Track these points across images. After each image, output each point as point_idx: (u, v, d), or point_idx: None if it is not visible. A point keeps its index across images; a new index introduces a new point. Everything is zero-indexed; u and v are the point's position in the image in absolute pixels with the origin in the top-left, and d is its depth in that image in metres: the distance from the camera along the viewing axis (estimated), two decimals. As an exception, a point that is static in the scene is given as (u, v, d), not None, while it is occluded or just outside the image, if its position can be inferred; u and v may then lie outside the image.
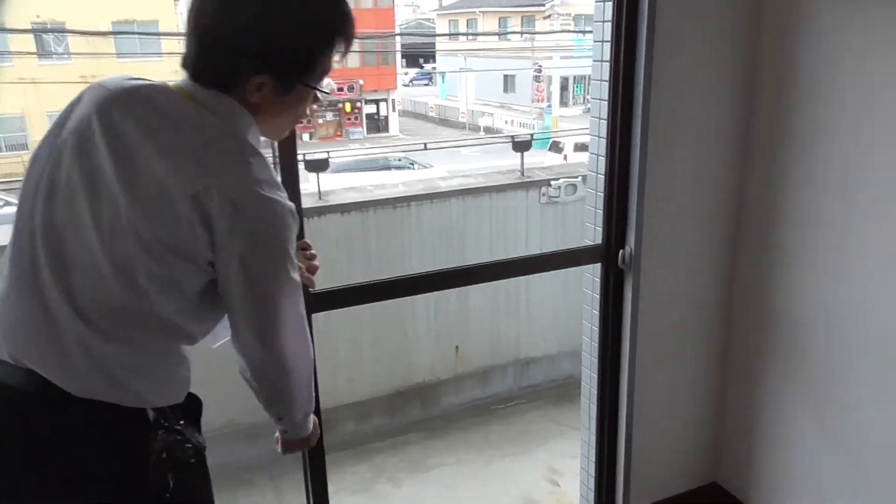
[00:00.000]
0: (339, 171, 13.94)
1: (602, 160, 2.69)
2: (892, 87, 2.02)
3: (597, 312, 2.89)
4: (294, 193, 2.04)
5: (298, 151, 1.89)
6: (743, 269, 2.74)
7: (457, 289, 4.40)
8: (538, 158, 16.09)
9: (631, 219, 2.58)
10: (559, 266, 2.59)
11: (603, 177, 2.66)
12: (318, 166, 4.07)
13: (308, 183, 4.37)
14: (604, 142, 2.64)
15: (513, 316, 4.60)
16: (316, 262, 1.48)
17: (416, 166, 14.64)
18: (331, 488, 3.80)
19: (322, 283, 3.87)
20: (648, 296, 2.68)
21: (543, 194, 4.43)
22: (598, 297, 2.87)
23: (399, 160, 13.58)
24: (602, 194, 2.72)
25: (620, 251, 2.65)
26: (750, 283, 2.73)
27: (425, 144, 6.12)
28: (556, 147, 17.55)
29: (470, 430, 4.38)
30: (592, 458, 3.12)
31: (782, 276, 2.56)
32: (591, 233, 2.83)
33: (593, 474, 3.11)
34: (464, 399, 4.67)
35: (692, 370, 2.92)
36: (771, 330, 2.65)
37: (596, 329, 2.93)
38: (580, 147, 13.98)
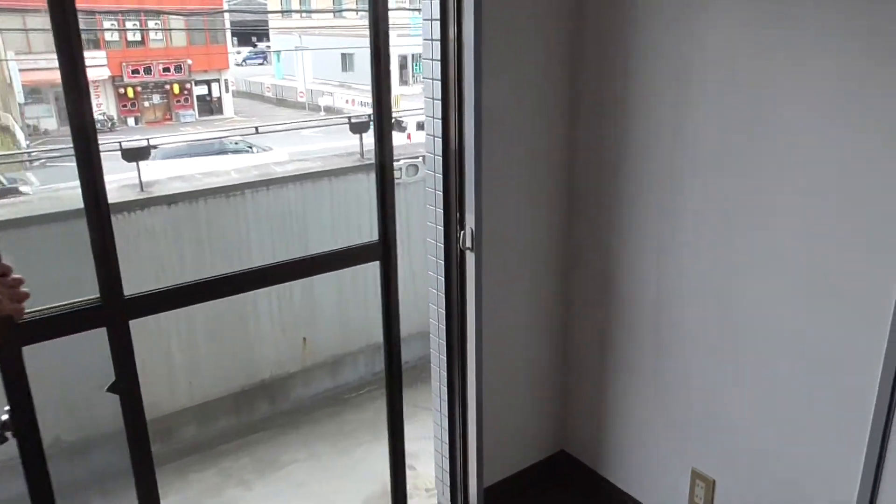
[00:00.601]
0: (171, 157, 13.08)
1: (438, 141, 2.67)
2: (706, 76, 2.15)
3: (443, 295, 2.89)
4: (95, 185, 1.88)
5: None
6: (580, 247, 2.85)
7: (299, 280, 4.26)
8: (381, 138, 15.93)
9: (469, 199, 2.59)
10: (338, 266, 2.53)
11: (439, 158, 2.63)
12: (137, 155, 3.75)
13: (134, 172, 4.03)
14: (439, 122, 2.62)
15: (361, 302, 4.53)
16: (24, 289, 1.21)
17: (254, 149, 14.05)
18: (175, 498, 3.57)
19: (149, 283, 3.60)
20: (492, 274, 2.71)
21: (385, 176, 4.37)
22: (442, 279, 2.86)
23: (236, 143, 13.00)
24: (440, 175, 2.71)
25: (462, 232, 2.65)
26: (588, 260, 2.84)
27: (256, 128, 5.86)
28: (398, 126, 17.53)
29: (322, 421, 4.28)
30: (445, 439, 3.14)
31: (616, 252, 2.68)
32: (433, 215, 2.81)
33: (447, 455, 3.13)
34: (314, 391, 4.56)
35: (537, 345, 3.01)
36: (609, 306, 2.78)
37: (443, 311, 2.92)
38: (423, 126, 13.99)
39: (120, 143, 3.88)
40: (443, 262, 2.81)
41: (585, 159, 2.77)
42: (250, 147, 13.88)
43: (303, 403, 4.50)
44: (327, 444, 3.99)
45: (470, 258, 2.66)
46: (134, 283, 3.70)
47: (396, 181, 4.45)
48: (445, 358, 2.97)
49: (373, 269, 4.49)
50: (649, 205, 2.53)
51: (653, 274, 2.58)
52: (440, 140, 2.65)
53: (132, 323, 2.06)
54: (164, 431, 4.08)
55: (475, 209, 2.59)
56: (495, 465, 3.00)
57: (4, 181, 10.74)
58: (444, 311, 2.89)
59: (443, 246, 2.80)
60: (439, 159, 2.69)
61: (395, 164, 4.42)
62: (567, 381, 3.11)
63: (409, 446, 3.96)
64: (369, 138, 5.95)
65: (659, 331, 2.60)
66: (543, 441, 3.15)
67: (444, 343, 2.93)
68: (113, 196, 3.77)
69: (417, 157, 4.44)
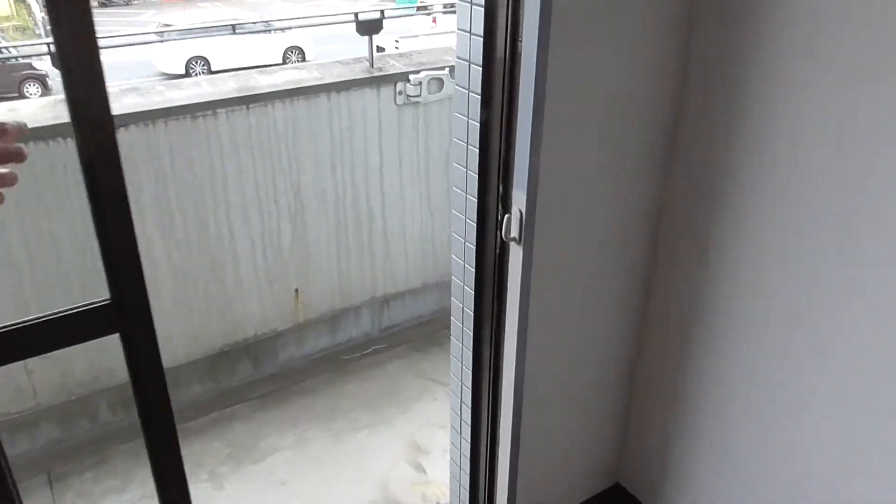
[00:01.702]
0: (186, 37, 11.95)
1: (476, 42, 1.82)
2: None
3: (471, 291, 2.12)
4: None
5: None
6: (675, 243, 2.06)
7: (290, 221, 3.49)
8: (406, 24, 14.74)
9: (520, 161, 1.77)
10: (40, 351, 1.43)
11: (477, 68, 1.79)
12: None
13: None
14: (479, 11, 1.77)
15: (365, 248, 3.76)
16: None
17: (272, 32, 12.89)
18: (134, 494, 2.91)
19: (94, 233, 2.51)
20: (544, 274, 1.93)
21: (400, 93, 3.49)
22: (471, 271, 2.09)
23: (253, 23, 11.89)
24: (475, 109, 1.87)
25: (506, 216, 1.84)
26: (683, 260, 2.06)
27: (234, 27, 4.90)
28: (423, 8, 16.20)
29: (315, 393, 3.61)
30: (465, 453, 2.48)
31: (725, 252, 1.90)
32: (461, 178, 2.00)
33: (466, 473, 2.48)
34: (309, 350, 3.88)
35: (597, 359, 2.28)
36: (705, 320, 2.03)
37: (470, 312, 2.16)
38: (453, 8, 12.77)
39: (48, 44, 3.00)
40: (473, 249, 2.00)
41: (697, 108, 1.91)
42: (268, 27, 12.70)
43: (294, 365, 3.84)
44: (319, 427, 3.34)
45: (515, 253, 1.87)
46: (84, 225, 2.95)
47: (415, 99, 3.58)
48: (471, 370, 2.23)
49: (380, 207, 3.73)
50: (767, 205, 1.69)
51: (777, 282, 1.79)
52: (479, 41, 1.80)
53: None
54: (121, 402, 3.44)
55: (528, 180, 1.77)
56: (532, 496, 2.33)
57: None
58: (471, 312, 2.12)
59: (475, 227, 1.98)
60: (476, 73, 1.83)
61: (414, 76, 3.54)
62: (631, 404, 2.39)
63: (419, 437, 3.32)
64: (381, 41, 4.99)
65: (751, 360, 1.84)
66: (595, 472, 2.49)
67: (472, 352, 2.18)
68: (43, 117, 2.96)
69: (442, 69, 3.53)
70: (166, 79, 11.34)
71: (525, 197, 1.74)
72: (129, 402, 3.48)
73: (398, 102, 3.50)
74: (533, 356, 2.03)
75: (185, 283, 3.35)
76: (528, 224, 1.77)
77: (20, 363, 3.08)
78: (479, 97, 1.79)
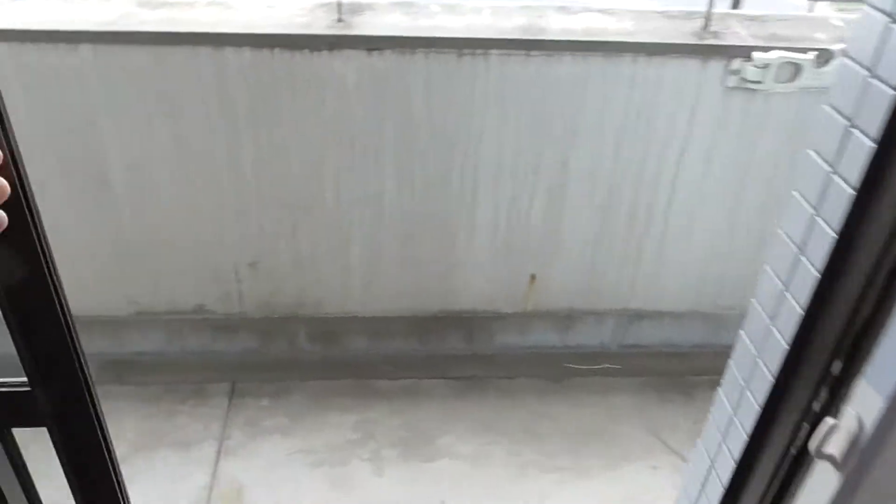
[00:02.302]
0: None
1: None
2: None
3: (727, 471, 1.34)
4: None
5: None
6: None
7: (546, 195, 2.84)
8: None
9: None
10: None
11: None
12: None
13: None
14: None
15: (632, 248, 3.00)
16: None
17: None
18: (294, 442, 2.62)
19: (341, 152, 2.58)
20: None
21: (734, 72, 2.56)
22: (737, 441, 1.31)
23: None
24: (891, 90, 1.04)
25: (827, 420, 1.03)
26: None
27: None
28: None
29: (519, 398, 3.05)
30: None
31: None
32: (815, 187, 1.22)
33: None
34: (530, 343, 3.30)
35: None
36: None
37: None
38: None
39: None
40: (753, 418, 1.24)
41: None
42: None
43: (510, 354, 3.30)
44: (506, 446, 2.80)
45: (824, 475, 1.04)
46: (319, 148, 2.63)
47: (753, 85, 2.62)
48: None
49: (666, 202, 2.91)
50: None
51: None
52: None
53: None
54: (321, 335, 3.18)
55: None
56: None
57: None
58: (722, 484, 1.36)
59: (757, 409, 1.20)
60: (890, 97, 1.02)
61: (759, 55, 2.57)
62: None
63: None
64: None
65: None
66: None
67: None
68: (298, 22, 2.56)
69: (804, 52, 2.51)
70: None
71: (882, 406, 0.89)
72: (330, 337, 3.18)
73: (728, 84, 2.57)
74: None
75: (412, 235, 2.90)
76: (868, 447, 0.93)
77: (231, 268, 2.92)
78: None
